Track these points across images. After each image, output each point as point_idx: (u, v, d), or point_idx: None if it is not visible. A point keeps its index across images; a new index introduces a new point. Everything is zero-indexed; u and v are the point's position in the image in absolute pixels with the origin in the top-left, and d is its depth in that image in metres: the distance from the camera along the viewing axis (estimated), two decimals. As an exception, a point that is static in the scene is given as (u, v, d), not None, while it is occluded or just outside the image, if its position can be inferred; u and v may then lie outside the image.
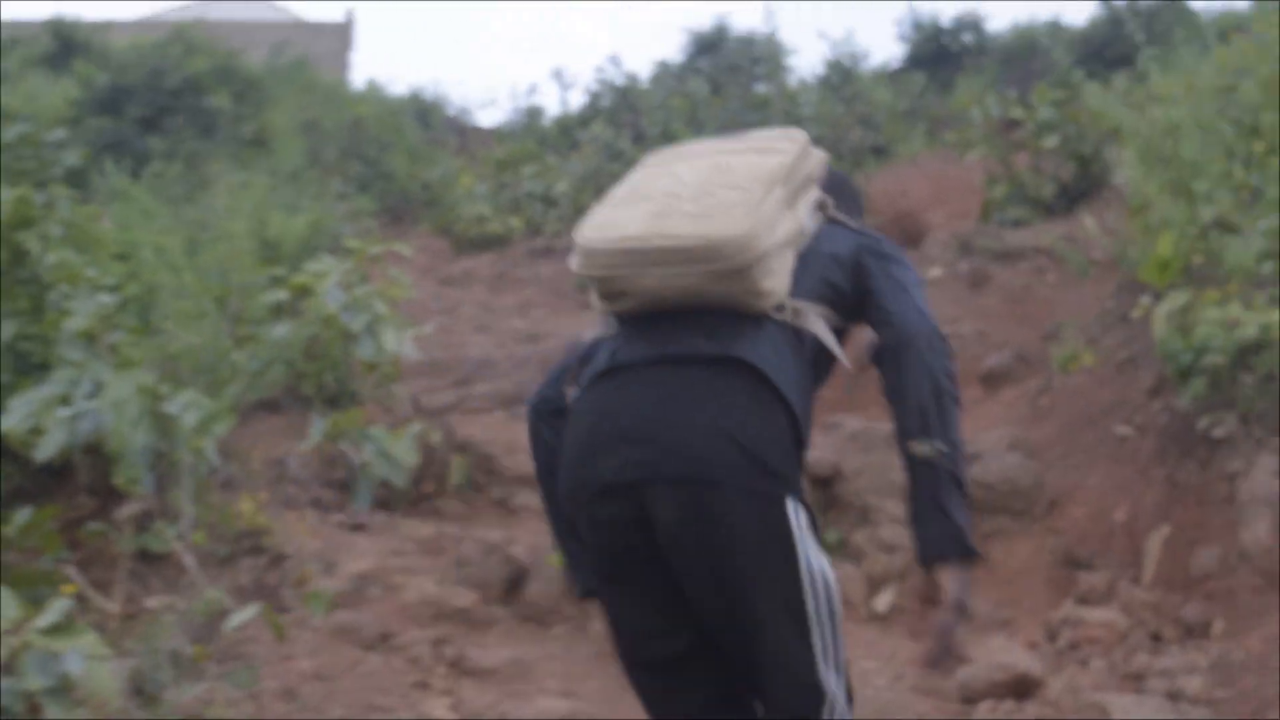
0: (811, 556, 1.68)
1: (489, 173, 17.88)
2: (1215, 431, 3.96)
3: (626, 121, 17.91)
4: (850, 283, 1.83)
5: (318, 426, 4.61)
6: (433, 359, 6.91)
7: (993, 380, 5.87)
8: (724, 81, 14.64)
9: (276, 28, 24.83)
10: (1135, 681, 3.39)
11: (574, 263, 1.79)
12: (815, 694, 1.68)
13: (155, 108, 12.59)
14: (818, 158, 1.89)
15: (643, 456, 1.67)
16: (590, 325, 1.93)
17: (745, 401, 1.68)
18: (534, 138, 21.36)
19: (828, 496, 4.46)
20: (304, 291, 5.37)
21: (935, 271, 7.41)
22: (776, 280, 1.74)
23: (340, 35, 28.29)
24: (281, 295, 5.47)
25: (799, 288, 1.79)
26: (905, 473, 1.75)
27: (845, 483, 4.48)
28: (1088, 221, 6.93)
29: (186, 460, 3.72)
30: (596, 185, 13.02)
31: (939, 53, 25.18)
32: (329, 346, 5.13)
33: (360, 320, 5.10)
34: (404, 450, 4.57)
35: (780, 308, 1.75)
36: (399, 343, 5.17)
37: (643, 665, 1.81)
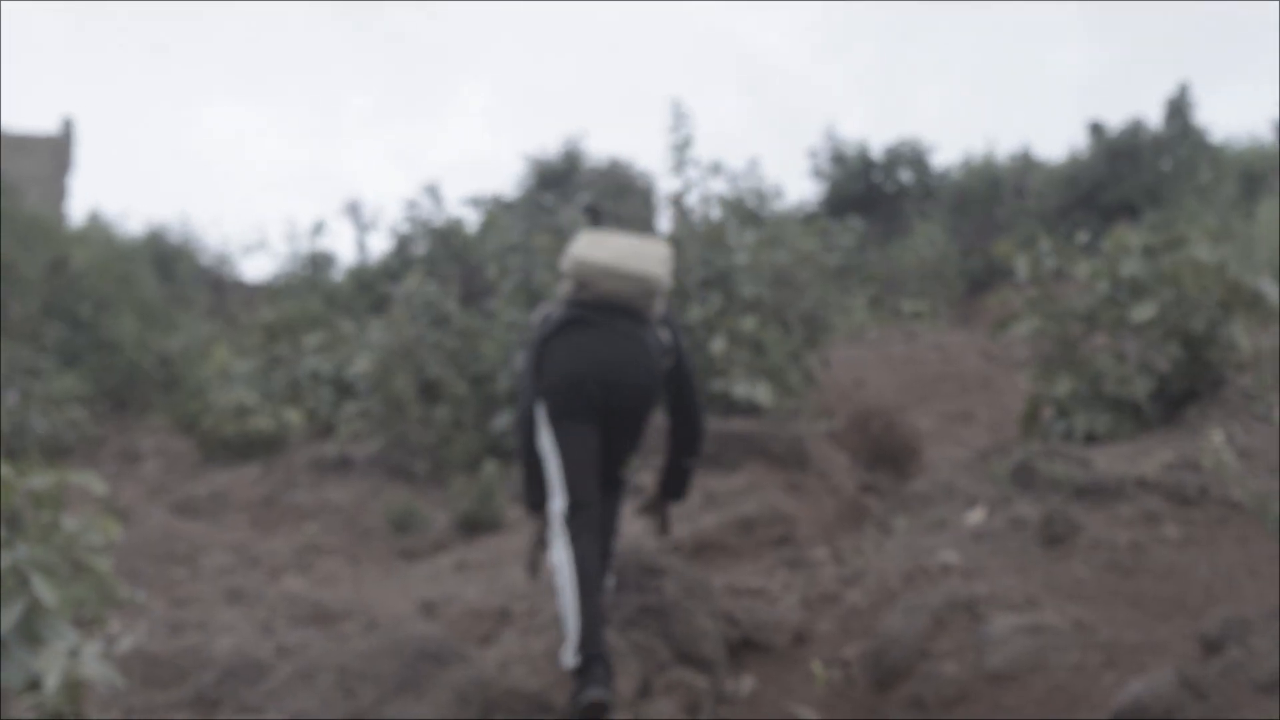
0: None
1: (255, 344, 13.50)
2: None
3: (456, 273, 13.58)
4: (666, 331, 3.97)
5: None
6: (150, 656, 4.28)
7: (1138, 726, 3.01)
8: (603, 213, 11.52)
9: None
10: None
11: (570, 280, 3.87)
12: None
13: None
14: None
15: (622, 375, 3.75)
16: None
17: (652, 354, 3.82)
18: (320, 295, 16.91)
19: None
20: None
21: (976, 515, 4.73)
22: (660, 307, 3.90)
23: (55, 153, 22.07)
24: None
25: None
26: (671, 467, 4.10)
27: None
28: (1216, 439, 4.36)
29: None
30: (415, 363, 9.33)
31: (869, 193, 19.91)
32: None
33: (5, 616, 2.90)
34: None
35: (656, 319, 3.93)
36: (79, 658, 2.98)
37: (576, 450, 3.75)
